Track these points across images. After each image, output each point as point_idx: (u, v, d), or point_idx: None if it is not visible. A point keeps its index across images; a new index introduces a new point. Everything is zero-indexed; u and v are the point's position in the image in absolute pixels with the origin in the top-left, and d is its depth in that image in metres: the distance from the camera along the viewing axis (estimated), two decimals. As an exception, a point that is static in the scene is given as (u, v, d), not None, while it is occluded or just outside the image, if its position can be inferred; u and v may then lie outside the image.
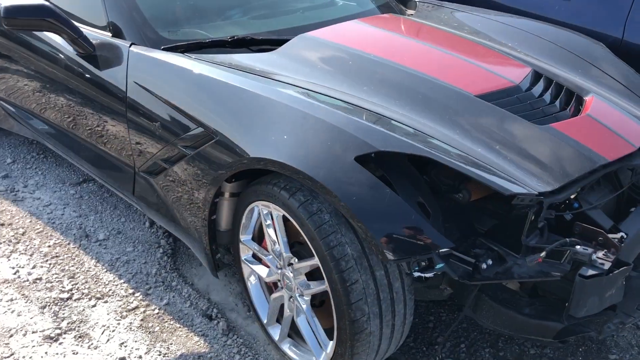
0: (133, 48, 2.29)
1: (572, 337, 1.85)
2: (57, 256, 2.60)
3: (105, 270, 2.53)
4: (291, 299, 1.97)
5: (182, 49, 2.31)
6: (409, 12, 3.01)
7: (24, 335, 2.16)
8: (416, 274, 1.63)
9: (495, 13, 3.05)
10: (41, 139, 2.99)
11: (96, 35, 2.44)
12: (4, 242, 2.67)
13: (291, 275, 1.92)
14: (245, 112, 1.92)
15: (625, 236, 1.76)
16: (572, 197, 1.87)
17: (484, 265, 1.68)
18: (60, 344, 2.14)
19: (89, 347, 2.13)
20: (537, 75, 2.29)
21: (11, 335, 2.16)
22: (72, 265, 2.55)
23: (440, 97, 2.04)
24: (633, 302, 2.00)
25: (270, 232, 1.95)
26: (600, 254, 1.72)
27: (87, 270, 2.52)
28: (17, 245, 2.66)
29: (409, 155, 1.71)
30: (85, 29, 2.43)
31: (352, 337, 1.73)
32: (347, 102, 1.92)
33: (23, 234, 2.74)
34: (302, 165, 1.68)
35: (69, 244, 2.68)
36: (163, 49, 2.28)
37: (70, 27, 2.34)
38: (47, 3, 2.34)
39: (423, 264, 1.64)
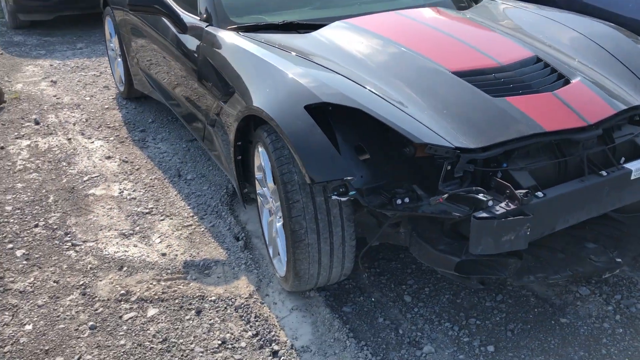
0: (207, 28, 3.01)
1: (478, 276, 2.12)
2: (152, 186, 3.44)
3: (181, 199, 3.30)
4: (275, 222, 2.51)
5: (244, 29, 2.97)
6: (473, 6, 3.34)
7: (108, 230, 3.01)
8: (334, 197, 2.06)
9: (547, 9, 3.23)
10: (163, 101, 3.89)
11: (192, 19, 3.21)
12: (122, 172, 3.60)
13: (272, 200, 2.46)
14: (258, 75, 2.51)
15: (529, 193, 1.99)
16: (506, 157, 2.14)
17: (398, 201, 2.05)
18: (128, 239, 2.94)
19: (145, 244, 2.89)
20: (534, 60, 2.52)
21: (100, 230, 3.02)
22: (160, 193, 3.36)
23: (417, 70, 2.41)
24: (566, 265, 2.20)
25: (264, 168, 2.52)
26: (503, 203, 1.99)
27: (168, 197, 3.31)
28: (130, 175, 3.56)
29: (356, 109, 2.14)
30: (188, 15, 3.23)
31: (294, 245, 2.22)
32: (329, 69, 2.41)
33: (138, 169, 3.65)
34: (270, 111, 2.22)
35: (165, 179, 3.52)
36: (228, 29, 2.97)
37: (170, 11, 3.15)
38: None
39: (341, 190, 2.07)
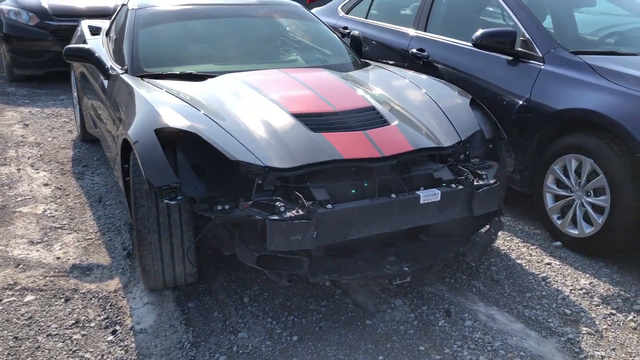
0: (122, 75, 3.63)
1: (276, 271, 2.58)
2: (73, 208, 3.98)
3: (93, 219, 3.82)
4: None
5: (150, 77, 3.57)
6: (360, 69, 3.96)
7: (20, 238, 3.52)
8: (165, 201, 2.56)
9: (409, 73, 3.82)
10: (99, 138, 4.48)
11: (116, 68, 3.84)
12: (52, 196, 4.15)
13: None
14: (137, 107, 3.05)
15: (316, 203, 2.48)
16: (311, 177, 2.64)
17: (219, 207, 2.55)
18: (34, 246, 3.44)
19: (46, 250, 3.39)
20: (369, 108, 3.07)
21: (14, 237, 3.53)
22: (77, 213, 3.89)
23: (263, 110, 2.96)
24: (360, 269, 2.66)
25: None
26: (294, 210, 2.48)
27: (82, 217, 3.83)
28: (57, 199, 4.11)
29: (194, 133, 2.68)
30: (116, 66, 3.86)
31: (139, 243, 2.71)
32: (192, 106, 2.97)
33: (67, 195, 4.19)
34: (131, 133, 2.76)
35: (86, 203, 4.05)
36: (136, 76, 3.58)
37: (97, 61, 3.77)
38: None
39: (172, 195, 2.56)
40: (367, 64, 4.15)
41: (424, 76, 3.74)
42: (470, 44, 4.18)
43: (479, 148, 3.21)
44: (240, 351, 2.55)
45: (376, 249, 2.84)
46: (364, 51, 4.70)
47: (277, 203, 2.50)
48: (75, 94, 5.41)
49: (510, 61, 3.93)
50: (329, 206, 2.54)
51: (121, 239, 3.54)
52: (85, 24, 5.37)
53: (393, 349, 2.59)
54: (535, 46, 3.79)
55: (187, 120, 2.76)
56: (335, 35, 4.45)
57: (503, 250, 3.50)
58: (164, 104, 2.96)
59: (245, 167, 2.56)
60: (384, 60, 4.62)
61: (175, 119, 2.75)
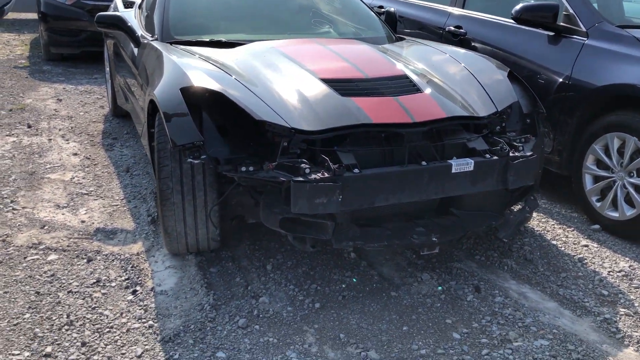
0: (151, 42, 3.59)
1: (299, 235, 2.50)
2: (100, 176, 3.97)
3: (119, 187, 3.80)
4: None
5: (178, 44, 3.53)
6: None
7: (47, 202, 3.52)
8: (189, 160, 2.50)
9: (444, 46, 3.69)
10: (129, 110, 4.47)
11: (147, 37, 3.81)
12: (80, 165, 4.15)
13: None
14: (165, 70, 3.00)
15: (342, 166, 2.39)
16: (339, 141, 2.55)
17: (242, 168, 2.49)
18: (60, 209, 3.43)
19: (71, 214, 3.38)
20: (401, 77, 2.97)
21: (41, 201, 3.53)
22: (104, 182, 3.88)
23: (293, 75, 2.88)
24: (386, 237, 2.57)
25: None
26: (319, 173, 2.40)
27: (109, 185, 3.82)
28: (86, 168, 4.11)
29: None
30: (147, 34, 3.83)
31: (162, 203, 2.67)
32: (221, 69, 2.91)
33: (95, 164, 4.19)
34: (157, 92, 2.71)
35: (114, 173, 4.04)
36: (165, 42, 3.54)
37: (128, 28, 3.75)
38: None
39: (196, 154, 2.50)
40: (402, 39, 4.04)
41: (461, 49, 3.61)
42: (509, 21, 4.03)
43: (517, 123, 3.08)
44: (261, 315, 2.49)
45: (404, 220, 2.74)
46: (398, 29, 4.59)
47: (302, 165, 2.42)
48: (107, 69, 5.42)
49: (551, 37, 3.77)
50: (356, 170, 2.44)
51: (146, 207, 3.51)
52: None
53: (418, 321, 2.49)
54: (578, 20, 3.62)
55: (214, 81, 2.70)
56: (369, 9, 4.34)
57: (538, 231, 3.36)
58: (192, 66, 2.91)
59: (271, 127, 2.49)
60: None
61: (201, 79, 2.69)
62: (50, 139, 4.69)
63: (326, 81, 2.82)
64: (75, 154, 4.37)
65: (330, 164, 2.41)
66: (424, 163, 2.56)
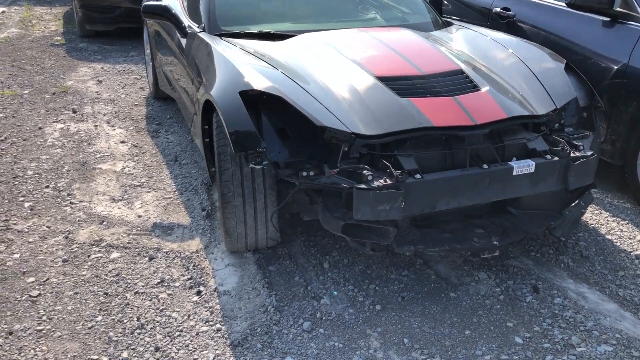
0: (199, 33, 3.59)
1: (368, 241, 2.52)
2: (150, 166, 4.03)
3: (170, 178, 3.86)
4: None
5: (228, 36, 3.51)
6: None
7: (102, 195, 3.59)
8: (251, 166, 2.52)
9: (495, 33, 3.62)
10: (175, 97, 4.50)
11: (193, 27, 3.80)
12: (129, 154, 4.21)
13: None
14: (219, 68, 3.01)
15: (404, 173, 2.40)
16: (399, 145, 2.55)
17: (303, 173, 2.50)
18: (115, 203, 3.51)
19: (127, 208, 3.45)
20: (457, 72, 2.93)
21: (96, 194, 3.61)
22: (155, 172, 3.94)
23: (347, 73, 2.86)
24: (447, 241, 2.58)
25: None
26: (382, 180, 2.41)
27: (160, 176, 3.88)
28: (135, 157, 4.17)
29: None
30: (192, 24, 3.82)
31: (223, 206, 2.71)
32: (275, 67, 2.90)
33: (143, 152, 4.25)
34: (215, 95, 2.72)
35: (162, 162, 4.10)
36: (214, 34, 3.52)
37: (175, 19, 3.73)
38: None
39: (257, 160, 2.52)
40: (449, 24, 3.96)
41: (513, 38, 3.53)
42: (561, 4, 3.93)
43: (573, 117, 3.03)
44: (324, 318, 2.54)
45: (462, 221, 2.75)
46: (444, 10, 4.50)
47: (365, 172, 2.42)
48: (147, 51, 5.42)
49: (607, 22, 3.67)
50: (418, 176, 2.45)
51: (199, 199, 3.56)
52: (158, -21, 5.33)
53: (479, 324, 2.52)
54: (637, 5, 3.51)
55: (271, 82, 2.69)
56: (415, -8, 4.25)
57: (591, 224, 3.34)
58: (246, 64, 2.90)
59: (332, 133, 2.49)
60: (466, 20, 4.40)
61: (259, 81, 2.69)
62: (96, 125, 4.75)
63: (382, 79, 2.80)
64: (122, 142, 4.43)
65: (393, 170, 2.41)
66: (485, 166, 2.55)
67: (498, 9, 4.42)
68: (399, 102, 2.65)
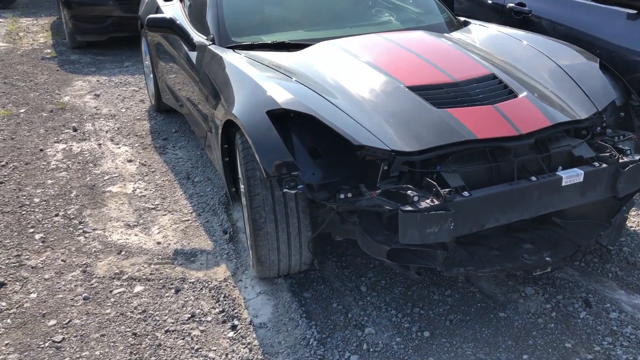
0: (210, 46, 3.41)
1: (413, 265, 2.37)
2: (162, 186, 3.85)
3: (185, 198, 3.68)
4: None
5: (241, 48, 3.34)
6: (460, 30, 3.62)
7: (116, 221, 3.41)
8: (285, 190, 2.36)
9: (520, 32, 3.46)
10: (181, 112, 4.31)
11: (200, 39, 3.61)
12: (138, 174, 4.02)
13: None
14: (238, 85, 2.84)
15: (453, 191, 2.24)
16: (441, 160, 2.39)
17: (341, 195, 2.34)
18: (131, 229, 3.33)
19: (145, 234, 3.28)
20: (490, 77, 2.77)
21: (110, 220, 3.43)
22: (168, 192, 3.76)
23: (376, 84, 2.70)
24: (497, 261, 2.43)
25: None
26: (428, 200, 2.25)
27: (174, 196, 3.70)
28: (145, 177, 3.99)
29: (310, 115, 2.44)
30: (199, 35, 3.63)
31: (254, 233, 2.54)
32: (298, 82, 2.73)
33: (153, 171, 4.07)
34: (239, 115, 2.55)
35: (174, 181, 3.92)
36: (227, 47, 3.34)
37: (182, 31, 3.56)
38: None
39: (292, 184, 2.36)
40: (467, 23, 3.80)
41: (539, 36, 3.38)
42: (582, -3, 3.78)
43: (610, 117, 2.89)
44: (371, 349, 2.38)
45: (507, 235, 2.60)
46: (455, 8, 4.34)
47: (409, 192, 2.26)
48: (147, 62, 5.22)
49: (633, 15, 3.53)
50: (466, 193, 2.29)
51: (218, 220, 3.39)
52: (155, -13, 5.13)
53: (536, 347, 2.38)
54: (666, -3, 3.37)
55: (298, 98, 2.53)
56: (427, -9, 4.09)
57: (632, 227, 3.20)
58: (268, 80, 2.73)
59: (369, 152, 2.32)
60: (478, 18, 4.25)
61: (285, 98, 2.52)
62: (100, 144, 4.55)
63: (414, 89, 2.64)
64: (129, 161, 4.24)
65: (439, 189, 2.25)
66: (533, 178, 2.40)
67: (512, 4, 4.27)
68: (436, 113, 2.49)
